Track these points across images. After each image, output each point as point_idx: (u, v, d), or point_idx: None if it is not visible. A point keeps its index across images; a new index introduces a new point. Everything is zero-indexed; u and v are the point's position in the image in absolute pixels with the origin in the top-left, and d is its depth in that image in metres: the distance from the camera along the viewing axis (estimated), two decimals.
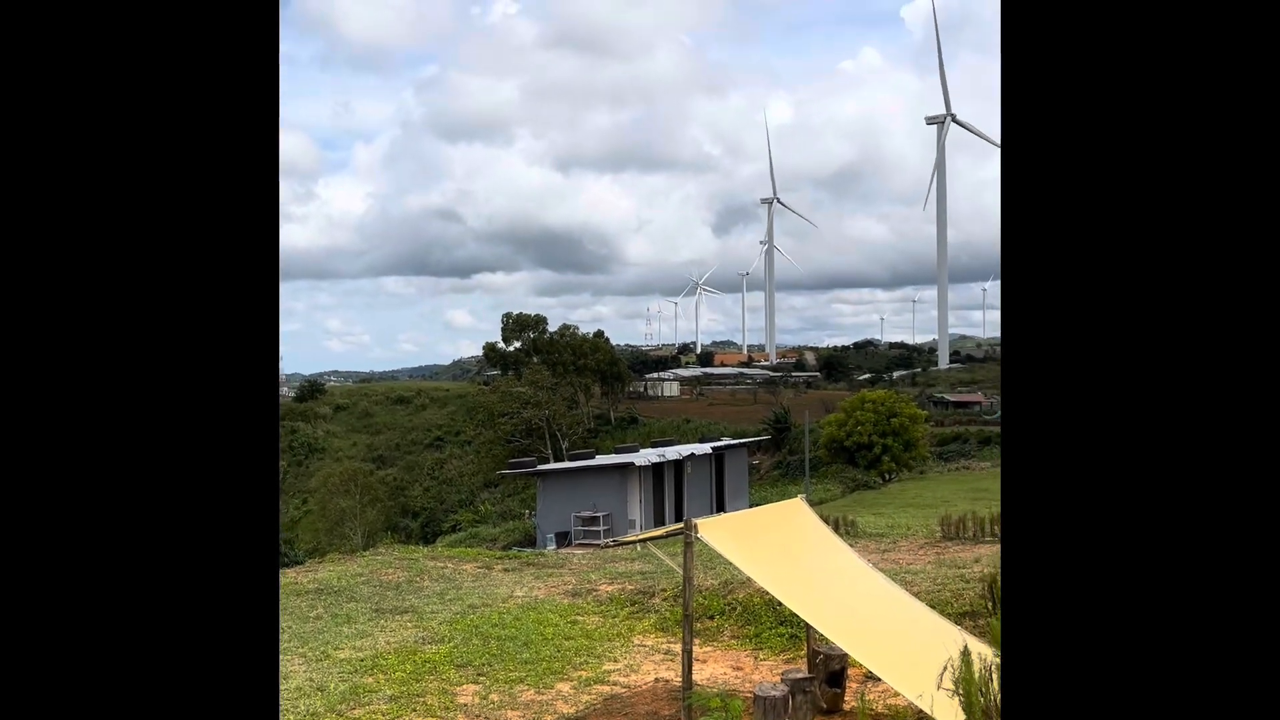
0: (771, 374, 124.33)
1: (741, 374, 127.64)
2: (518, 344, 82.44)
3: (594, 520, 29.65)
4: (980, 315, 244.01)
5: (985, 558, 14.09)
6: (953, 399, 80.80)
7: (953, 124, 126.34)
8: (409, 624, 12.67)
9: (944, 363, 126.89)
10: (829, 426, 41.41)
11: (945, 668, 6.38)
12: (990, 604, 9.72)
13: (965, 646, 6.64)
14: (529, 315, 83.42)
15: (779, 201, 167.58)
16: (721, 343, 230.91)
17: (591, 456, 38.03)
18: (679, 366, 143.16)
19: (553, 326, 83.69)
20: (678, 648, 9.78)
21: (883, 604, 8.76)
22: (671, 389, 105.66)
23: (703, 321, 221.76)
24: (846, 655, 8.52)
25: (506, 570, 16.95)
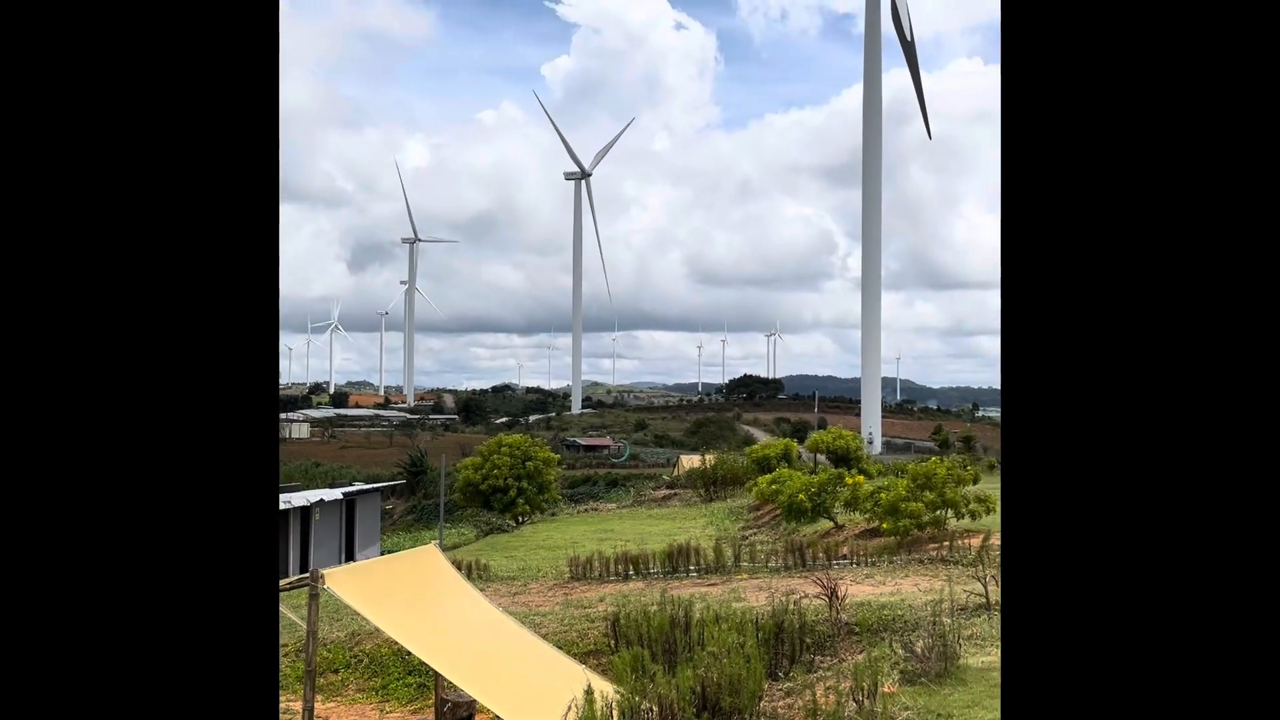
0: (409, 416, 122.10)
1: (378, 415, 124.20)
2: None
3: None
4: (610, 364, 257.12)
5: (609, 596, 14.74)
6: (584, 442, 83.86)
7: (588, 181, 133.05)
8: None
9: (577, 408, 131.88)
10: (466, 470, 41.32)
11: (570, 707, 6.63)
12: (612, 641, 10.20)
13: (589, 685, 6.93)
14: None
15: (419, 240, 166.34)
16: (357, 383, 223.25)
17: None
18: (310, 407, 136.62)
19: None
20: (298, 706, 9.24)
21: (511, 648, 8.90)
22: (301, 430, 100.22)
23: (337, 361, 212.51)
24: (475, 701, 8.53)
25: None
